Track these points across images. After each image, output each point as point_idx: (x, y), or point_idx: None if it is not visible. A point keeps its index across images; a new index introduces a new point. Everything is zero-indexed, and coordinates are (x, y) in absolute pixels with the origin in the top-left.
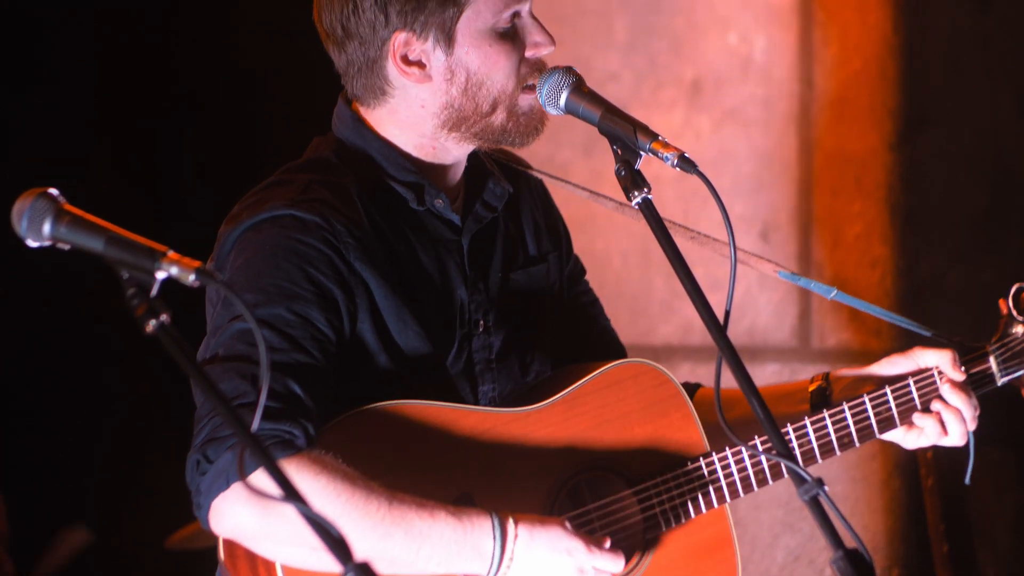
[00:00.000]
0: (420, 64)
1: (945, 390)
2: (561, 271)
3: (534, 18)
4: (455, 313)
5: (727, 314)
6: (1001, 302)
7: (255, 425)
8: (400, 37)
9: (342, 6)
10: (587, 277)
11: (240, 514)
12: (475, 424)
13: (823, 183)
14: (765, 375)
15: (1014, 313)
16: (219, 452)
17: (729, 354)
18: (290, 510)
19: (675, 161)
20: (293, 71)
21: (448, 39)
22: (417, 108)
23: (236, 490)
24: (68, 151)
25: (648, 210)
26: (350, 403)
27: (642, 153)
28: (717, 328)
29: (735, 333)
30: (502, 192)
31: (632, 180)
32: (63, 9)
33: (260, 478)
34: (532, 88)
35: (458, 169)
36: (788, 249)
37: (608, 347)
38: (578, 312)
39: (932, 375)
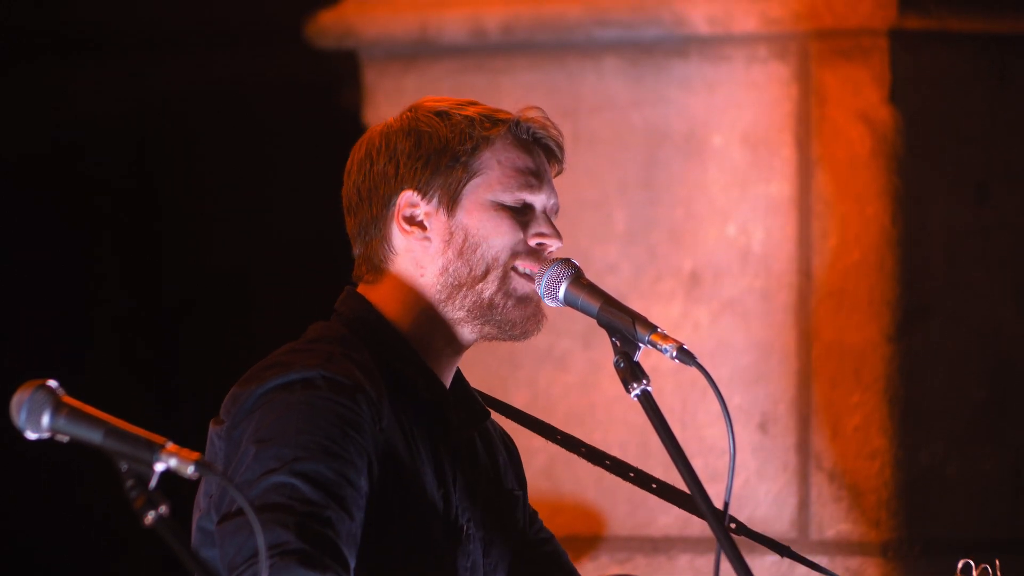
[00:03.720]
0: (422, 226)
1: None
2: (524, 510)
3: (546, 215)
4: (446, 511)
5: (726, 505)
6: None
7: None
8: (406, 195)
9: (360, 166)
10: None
11: None
12: None
13: (822, 374)
14: (764, 567)
15: None
16: None
17: (728, 545)
18: None
19: (674, 353)
20: (278, 271)
21: (452, 202)
22: (417, 276)
23: None
24: (65, 343)
25: (647, 402)
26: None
27: (641, 345)
28: (716, 519)
29: None
30: (483, 410)
31: (631, 372)
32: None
33: None
34: (530, 277)
35: (452, 366)
36: (787, 440)
37: None
38: (537, 547)
39: None
